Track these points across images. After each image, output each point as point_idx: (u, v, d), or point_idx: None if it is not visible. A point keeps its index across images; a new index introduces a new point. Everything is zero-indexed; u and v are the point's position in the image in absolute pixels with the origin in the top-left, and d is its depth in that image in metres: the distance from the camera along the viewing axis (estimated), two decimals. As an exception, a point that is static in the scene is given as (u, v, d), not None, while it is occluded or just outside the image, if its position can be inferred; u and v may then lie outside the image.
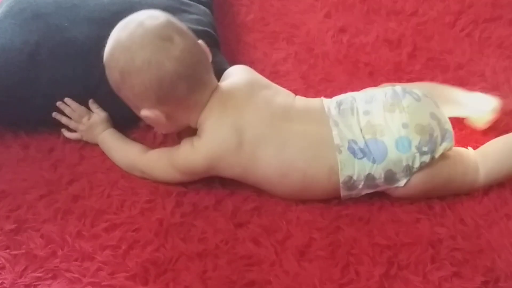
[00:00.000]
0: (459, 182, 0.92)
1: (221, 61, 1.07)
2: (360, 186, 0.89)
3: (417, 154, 0.87)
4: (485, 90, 1.14)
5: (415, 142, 0.87)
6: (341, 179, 0.88)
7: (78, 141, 1.03)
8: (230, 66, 1.03)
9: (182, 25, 0.89)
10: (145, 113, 0.88)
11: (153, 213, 0.92)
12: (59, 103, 1.00)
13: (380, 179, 0.88)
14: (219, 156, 0.88)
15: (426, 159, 0.88)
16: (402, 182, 0.89)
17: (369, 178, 0.88)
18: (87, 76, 1.00)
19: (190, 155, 0.90)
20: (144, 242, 0.88)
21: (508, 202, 0.93)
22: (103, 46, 0.91)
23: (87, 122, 1.01)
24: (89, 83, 1.01)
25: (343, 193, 0.90)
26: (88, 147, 1.03)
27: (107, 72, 0.89)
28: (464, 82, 1.15)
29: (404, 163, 0.87)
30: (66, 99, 1.00)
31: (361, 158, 0.87)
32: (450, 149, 0.91)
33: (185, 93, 0.87)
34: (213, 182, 0.97)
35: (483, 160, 0.93)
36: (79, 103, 1.02)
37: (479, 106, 1.01)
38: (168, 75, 0.84)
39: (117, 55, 0.86)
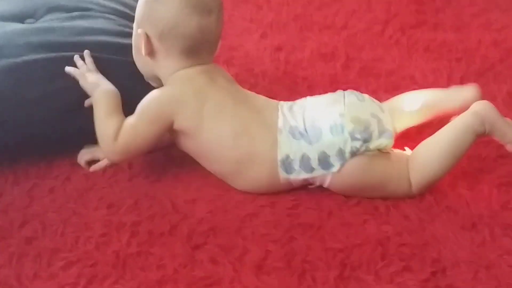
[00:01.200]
0: (393, 186, 0.95)
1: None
2: (297, 167, 0.95)
3: (349, 139, 0.92)
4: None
5: (348, 129, 0.93)
6: (279, 157, 0.94)
7: (25, 183, 1.03)
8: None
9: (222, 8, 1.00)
10: (140, 32, 0.97)
11: (109, 246, 0.92)
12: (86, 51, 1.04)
13: (315, 161, 0.94)
14: (182, 99, 0.96)
15: (357, 144, 0.92)
16: (335, 168, 0.93)
17: (305, 158, 0.94)
18: (55, 100, 1.02)
19: (157, 95, 0.98)
20: (103, 276, 0.88)
21: (447, 195, 0.98)
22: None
23: (98, 81, 1.01)
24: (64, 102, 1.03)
25: (281, 173, 0.96)
26: (37, 187, 1.03)
27: None
28: (396, 86, 1.22)
29: (337, 146, 0.93)
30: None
31: (298, 139, 0.94)
32: (387, 147, 0.95)
33: (182, 49, 0.97)
34: (166, 207, 0.99)
35: (411, 172, 0.95)
36: (56, 122, 1.03)
37: (459, 96, 1.04)
38: (184, 27, 0.96)
39: None
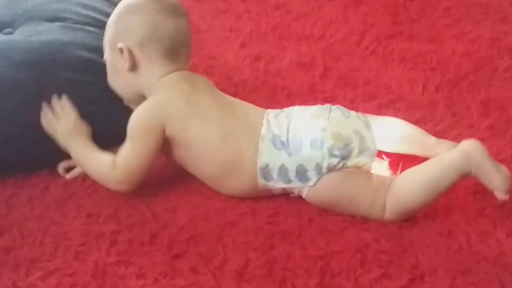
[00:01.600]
0: (366, 207, 0.95)
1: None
2: (275, 177, 0.96)
3: (327, 155, 0.94)
4: (393, 101, 1.23)
5: (327, 144, 0.94)
6: (259, 165, 0.96)
7: (4, 192, 1.02)
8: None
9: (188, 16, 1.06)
10: (121, 45, 0.99)
11: (88, 256, 0.92)
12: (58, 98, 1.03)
13: (293, 172, 0.95)
14: (170, 103, 0.98)
15: (334, 161, 0.94)
16: (312, 181, 0.95)
17: (283, 169, 0.95)
18: (34, 119, 1.02)
19: (143, 108, 0.99)
20: (82, 285, 0.88)
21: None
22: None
23: (73, 120, 1.01)
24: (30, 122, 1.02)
25: (260, 180, 0.97)
26: (15, 196, 1.02)
27: (116, 8, 1.03)
28: (373, 95, 1.24)
29: (315, 161, 0.94)
30: (64, 99, 1.03)
31: (279, 149, 0.96)
32: (367, 165, 0.96)
33: (163, 52, 1.00)
34: (146, 216, 0.98)
35: (388, 197, 0.94)
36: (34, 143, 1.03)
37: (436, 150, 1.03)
38: (162, 29, 0.99)
39: None
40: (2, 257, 0.92)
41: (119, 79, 1.03)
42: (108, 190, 1.04)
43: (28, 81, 1.04)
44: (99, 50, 1.10)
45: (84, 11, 1.20)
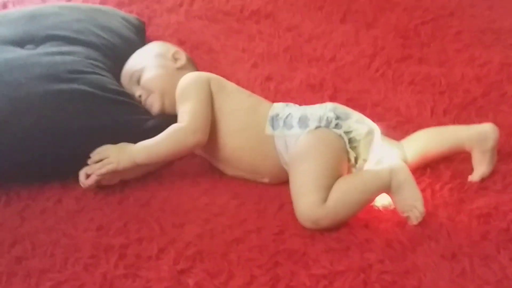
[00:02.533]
0: (321, 180, 1.02)
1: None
2: (281, 124, 1.10)
3: (327, 111, 1.08)
4: (401, 123, 1.25)
5: (330, 107, 1.09)
6: (270, 114, 1.12)
7: (17, 203, 1.05)
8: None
9: None
10: (177, 50, 1.23)
11: (97, 268, 0.94)
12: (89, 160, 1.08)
13: (296, 119, 1.09)
14: (210, 74, 1.17)
15: (331, 115, 1.07)
16: (310, 127, 1.07)
17: (288, 117, 1.11)
18: (51, 130, 1.06)
19: (188, 75, 1.15)
20: (90, 297, 0.90)
21: (429, 224, 1.01)
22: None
23: (111, 147, 1.08)
24: (53, 138, 1.06)
25: (267, 129, 1.11)
26: (28, 208, 1.05)
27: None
28: (381, 117, 1.25)
29: (318, 114, 1.08)
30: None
31: (290, 107, 1.13)
32: (363, 134, 1.05)
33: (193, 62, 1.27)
34: (154, 231, 1.01)
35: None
36: (48, 153, 1.07)
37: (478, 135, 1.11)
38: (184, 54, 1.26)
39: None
40: (13, 267, 0.94)
41: (163, 75, 1.18)
42: (119, 203, 1.06)
43: (45, 94, 1.07)
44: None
45: (102, 33, 1.25)
